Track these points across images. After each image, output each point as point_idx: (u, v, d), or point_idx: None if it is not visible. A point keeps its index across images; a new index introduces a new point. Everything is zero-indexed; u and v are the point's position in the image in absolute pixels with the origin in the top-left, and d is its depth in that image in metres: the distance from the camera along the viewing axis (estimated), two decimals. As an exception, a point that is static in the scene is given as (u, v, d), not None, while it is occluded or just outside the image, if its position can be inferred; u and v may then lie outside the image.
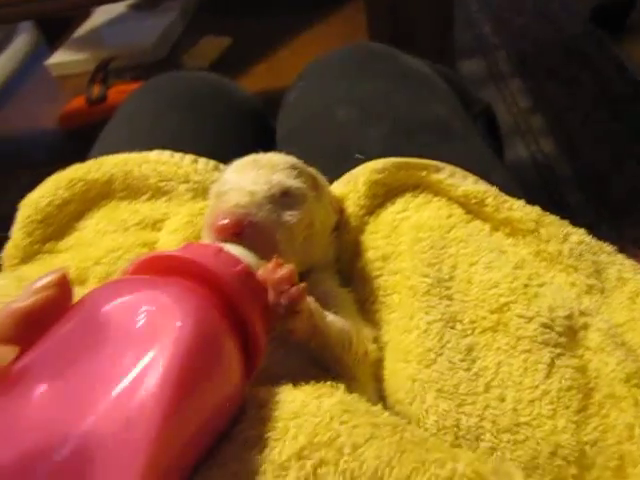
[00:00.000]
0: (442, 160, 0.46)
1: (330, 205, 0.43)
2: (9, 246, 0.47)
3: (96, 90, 1.27)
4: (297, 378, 0.34)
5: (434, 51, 1.01)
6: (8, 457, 0.20)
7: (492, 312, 0.37)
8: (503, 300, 0.37)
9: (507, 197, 0.42)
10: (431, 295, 0.38)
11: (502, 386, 0.35)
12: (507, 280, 0.38)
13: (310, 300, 0.33)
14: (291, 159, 0.41)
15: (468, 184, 0.43)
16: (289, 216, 0.37)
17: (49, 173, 0.50)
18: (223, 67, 1.20)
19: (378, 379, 0.39)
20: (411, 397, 0.35)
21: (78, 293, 0.36)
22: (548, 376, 0.35)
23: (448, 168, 0.44)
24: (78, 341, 0.24)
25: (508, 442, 0.33)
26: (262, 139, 0.61)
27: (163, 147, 0.52)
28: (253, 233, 0.35)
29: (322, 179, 0.43)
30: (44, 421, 0.21)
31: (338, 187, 0.46)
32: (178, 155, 0.51)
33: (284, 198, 0.37)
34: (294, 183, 0.38)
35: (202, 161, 0.51)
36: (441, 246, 0.40)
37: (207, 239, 0.37)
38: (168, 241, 0.43)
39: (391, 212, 0.44)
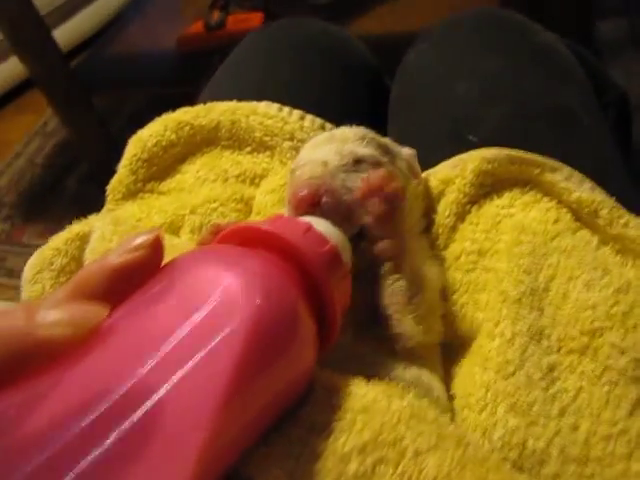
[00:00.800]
0: (561, 156, 0.43)
1: (406, 170, 0.42)
2: (114, 180, 0.49)
3: (215, 16, 1.28)
4: (365, 361, 0.35)
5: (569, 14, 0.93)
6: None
7: (583, 334, 0.35)
8: (598, 324, 0.35)
9: (624, 211, 0.39)
10: (522, 304, 0.37)
11: (578, 414, 0.33)
12: (606, 304, 0.35)
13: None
14: (362, 130, 0.40)
15: (583, 190, 0.40)
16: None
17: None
18: (345, 4, 1.17)
19: (450, 375, 0.39)
20: (482, 405, 0.35)
21: (170, 242, 0.38)
22: (631, 414, 0.33)
23: (565, 169, 0.41)
24: (161, 307, 0.24)
25: (573, 474, 0.32)
26: (375, 99, 0.60)
27: (272, 98, 0.52)
28: (331, 201, 0.34)
29: (394, 146, 0.42)
30: (119, 379, 0.22)
31: (444, 169, 0.44)
32: (286, 109, 0.50)
33: (357, 165, 0.37)
34: (365, 151, 0.38)
35: (309, 118, 0.50)
36: (542, 253, 0.38)
37: (289, 214, 0.37)
38: (264, 201, 0.44)
39: (496, 205, 0.42)
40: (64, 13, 1.64)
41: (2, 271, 1.34)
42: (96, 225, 0.40)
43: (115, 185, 0.49)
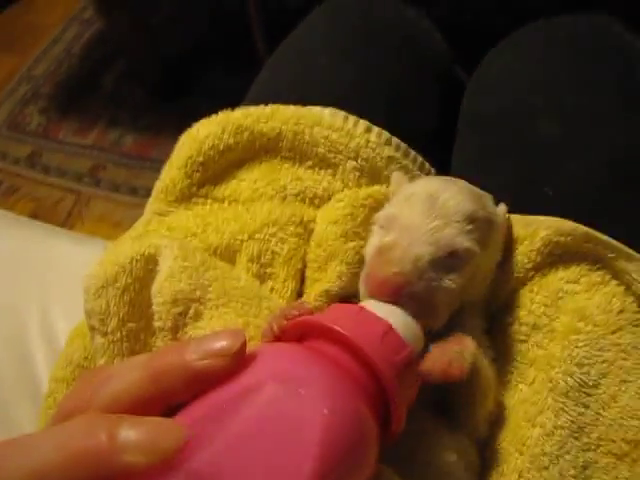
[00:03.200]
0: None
1: (499, 244, 0.40)
2: (167, 181, 0.47)
3: None
4: (417, 435, 0.36)
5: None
6: None
7: (625, 441, 0.36)
8: None
9: None
10: (568, 398, 0.37)
11: None
12: None
13: (469, 341, 0.34)
14: (470, 207, 0.36)
15: None
16: (450, 281, 0.35)
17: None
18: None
19: (485, 442, 0.40)
20: None
21: (232, 284, 0.37)
22: None
23: None
24: (232, 414, 0.25)
25: None
26: (448, 100, 0.56)
27: (338, 98, 0.49)
28: (410, 299, 0.34)
29: (498, 216, 0.40)
30: None
31: (516, 226, 0.43)
32: (352, 120, 0.48)
33: (449, 259, 0.35)
34: (464, 243, 0.35)
35: (375, 132, 0.48)
36: (599, 347, 0.38)
37: (361, 286, 0.36)
38: (325, 233, 0.42)
39: (560, 278, 0.40)
40: None
41: (38, 167, 1.35)
42: (161, 248, 0.39)
43: (169, 186, 0.47)
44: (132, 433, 0.22)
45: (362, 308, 0.31)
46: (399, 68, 0.54)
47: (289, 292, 0.42)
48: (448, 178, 0.40)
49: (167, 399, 0.26)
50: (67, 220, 1.23)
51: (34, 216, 1.27)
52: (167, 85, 1.39)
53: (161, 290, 0.37)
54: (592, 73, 0.48)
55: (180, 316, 0.36)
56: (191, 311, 0.36)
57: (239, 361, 0.25)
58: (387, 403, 0.29)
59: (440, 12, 0.64)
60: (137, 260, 0.38)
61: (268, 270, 0.42)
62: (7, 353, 0.56)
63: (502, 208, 0.41)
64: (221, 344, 0.25)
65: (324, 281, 0.41)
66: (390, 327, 0.30)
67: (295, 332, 0.31)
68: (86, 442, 0.22)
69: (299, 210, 0.45)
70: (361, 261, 0.40)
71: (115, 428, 0.22)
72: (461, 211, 0.36)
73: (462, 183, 0.39)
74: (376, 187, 0.45)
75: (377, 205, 0.42)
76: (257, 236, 0.43)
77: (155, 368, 0.25)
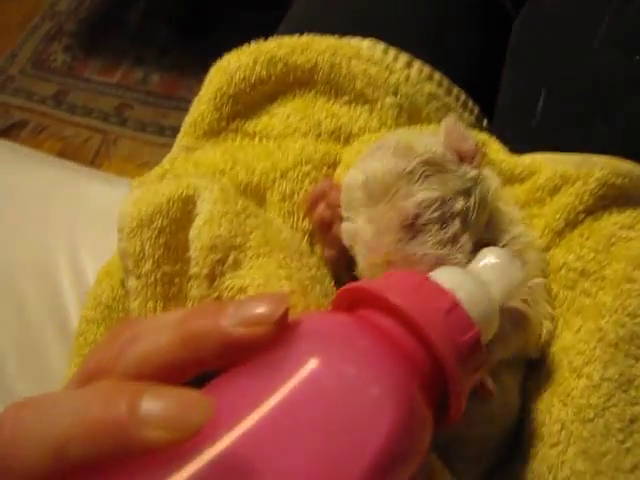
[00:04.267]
0: None
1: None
2: (196, 114, 0.44)
3: None
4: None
5: None
6: None
7: None
8: None
9: None
10: (618, 349, 0.35)
11: None
12: None
13: None
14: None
15: None
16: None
17: None
18: None
19: (528, 392, 0.38)
20: (553, 442, 0.35)
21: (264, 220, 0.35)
22: None
23: None
24: (269, 392, 0.22)
25: None
26: (493, 32, 0.52)
27: (379, 29, 0.46)
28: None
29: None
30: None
31: (566, 163, 0.40)
32: (392, 52, 0.44)
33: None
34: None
35: (417, 66, 0.44)
36: None
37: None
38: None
39: (614, 223, 0.38)
40: None
41: (64, 106, 1.34)
42: (201, 189, 0.36)
43: (197, 120, 0.44)
44: (155, 405, 0.20)
45: (427, 278, 0.27)
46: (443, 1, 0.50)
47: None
48: (378, 143, 0.36)
49: (199, 365, 0.23)
50: (95, 159, 1.23)
51: (62, 155, 1.26)
52: (193, 21, 1.34)
53: (199, 235, 0.35)
54: None
55: (218, 263, 0.34)
56: (230, 259, 0.34)
57: (281, 330, 0.23)
58: (445, 388, 0.26)
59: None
60: (174, 201, 0.36)
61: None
62: (37, 290, 0.56)
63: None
64: (261, 310, 0.22)
65: None
66: (456, 303, 0.26)
67: (346, 299, 0.28)
68: (105, 413, 0.20)
69: (334, 149, 0.43)
70: None
71: (137, 398, 0.20)
72: (392, 177, 0.33)
73: (390, 140, 0.35)
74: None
75: None
76: (290, 174, 0.41)
77: (188, 331, 0.23)
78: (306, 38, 0.45)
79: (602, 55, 0.42)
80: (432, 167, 0.33)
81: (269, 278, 0.33)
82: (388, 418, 0.22)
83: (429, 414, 0.24)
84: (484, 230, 0.35)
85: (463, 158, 0.35)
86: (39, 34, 1.39)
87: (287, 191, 0.41)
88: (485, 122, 0.48)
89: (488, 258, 0.31)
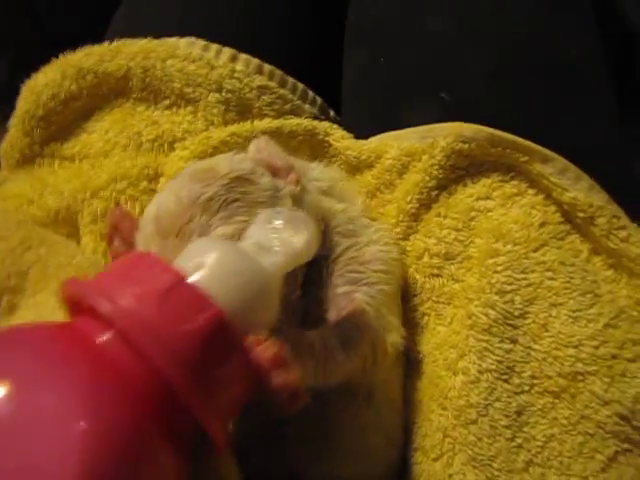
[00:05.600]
0: (554, 129, 0.35)
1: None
2: (5, 142, 0.39)
3: None
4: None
5: None
6: None
7: (561, 376, 0.30)
8: (580, 367, 0.30)
9: (625, 221, 0.32)
10: (492, 334, 0.31)
11: (545, 465, 0.29)
12: (593, 343, 0.30)
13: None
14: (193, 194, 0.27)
15: (580, 189, 0.32)
16: None
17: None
18: None
19: (407, 398, 0.33)
20: (437, 453, 0.30)
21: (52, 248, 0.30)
22: (604, 470, 0.29)
23: (559, 161, 0.33)
24: None
25: None
26: (325, 21, 0.48)
27: (202, 27, 0.41)
28: None
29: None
30: None
31: (410, 138, 0.36)
32: (214, 48, 0.40)
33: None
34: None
35: (243, 59, 0.40)
36: (522, 269, 0.31)
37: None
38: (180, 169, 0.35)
39: (469, 195, 0.34)
40: None
41: None
42: None
43: (6, 149, 0.39)
44: None
45: (146, 254, 0.22)
46: None
47: None
48: (179, 173, 0.30)
49: None
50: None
51: None
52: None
53: None
54: None
55: None
56: (3, 303, 0.29)
57: None
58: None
59: None
60: None
61: None
62: None
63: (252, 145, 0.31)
64: None
65: None
66: (178, 278, 0.19)
67: (69, 297, 0.21)
68: None
69: (155, 160, 0.37)
70: None
71: None
72: (183, 208, 0.27)
73: (191, 166, 0.30)
74: (230, 127, 0.38)
75: (233, 149, 0.34)
76: (102, 194, 0.36)
77: None
78: (116, 44, 0.39)
79: (432, 19, 0.39)
80: (237, 188, 0.27)
81: (41, 314, 0.28)
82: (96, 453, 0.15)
83: (167, 449, 0.18)
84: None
85: (276, 174, 0.29)
86: None
87: (98, 212, 0.35)
88: (332, 113, 0.44)
89: (267, 221, 0.24)
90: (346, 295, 0.29)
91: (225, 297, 0.19)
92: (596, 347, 0.29)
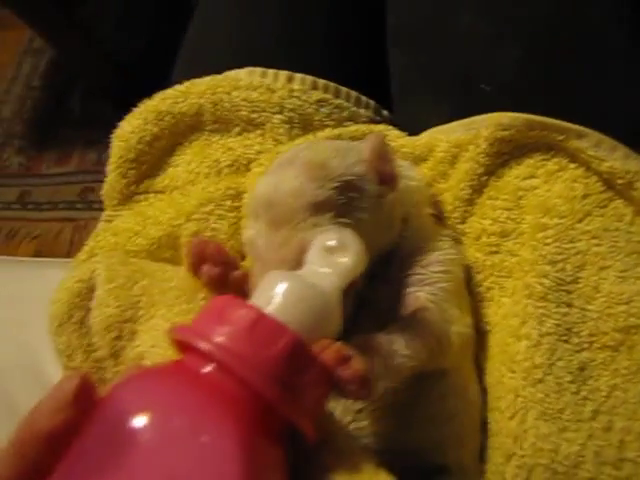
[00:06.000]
0: (589, 104, 0.38)
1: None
2: (106, 186, 0.46)
3: None
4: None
5: None
6: None
7: (617, 330, 0.33)
8: (633, 321, 0.33)
9: None
10: (548, 301, 0.34)
11: (611, 413, 0.33)
12: None
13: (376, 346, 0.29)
14: (309, 192, 0.31)
15: (616, 159, 0.35)
16: None
17: None
18: None
19: (480, 367, 0.38)
20: (512, 412, 0.34)
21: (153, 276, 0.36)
22: None
23: (594, 136, 0.36)
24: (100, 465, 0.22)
25: (609, 477, 0.32)
26: (372, 29, 0.52)
27: (256, 57, 0.46)
28: None
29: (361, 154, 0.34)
30: None
31: (457, 130, 0.40)
32: (271, 73, 0.45)
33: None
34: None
35: (298, 79, 0.45)
36: (569, 239, 0.35)
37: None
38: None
39: (516, 177, 0.38)
40: None
41: (30, 205, 1.35)
42: (95, 273, 0.38)
43: (108, 191, 0.46)
44: None
45: (232, 298, 0.25)
46: (316, 13, 0.50)
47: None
48: (292, 155, 0.34)
49: (38, 472, 0.23)
50: (70, 250, 1.24)
51: (38, 253, 1.27)
52: (132, 93, 1.36)
53: (94, 319, 0.37)
54: None
55: (117, 340, 0.36)
56: (125, 332, 0.36)
57: (86, 403, 0.23)
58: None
59: None
60: (85, 292, 0.38)
61: None
62: (28, 392, 0.56)
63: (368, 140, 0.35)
64: (59, 394, 0.23)
65: None
66: (259, 314, 0.24)
67: (176, 340, 0.26)
68: None
69: (234, 181, 0.43)
70: None
71: None
72: (300, 206, 0.31)
73: (306, 154, 0.34)
74: (297, 142, 0.42)
75: None
76: (194, 217, 0.41)
77: (17, 441, 0.23)
78: (186, 85, 0.45)
79: (465, 19, 0.42)
80: (347, 192, 0.31)
81: (158, 338, 0.34)
82: (230, 462, 0.21)
83: (271, 442, 0.23)
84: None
85: (383, 181, 0.33)
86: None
87: (193, 233, 0.41)
88: (385, 112, 0.48)
89: (321, 246, 0.28)
90: (411, 294, 0.33)
91: (296, 321, 0.24)
92: None
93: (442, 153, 0.40)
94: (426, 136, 0.42)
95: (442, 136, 0.40)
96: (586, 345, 0.33)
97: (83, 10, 1.26)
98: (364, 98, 0.47)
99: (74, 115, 1.41)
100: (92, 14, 1.34)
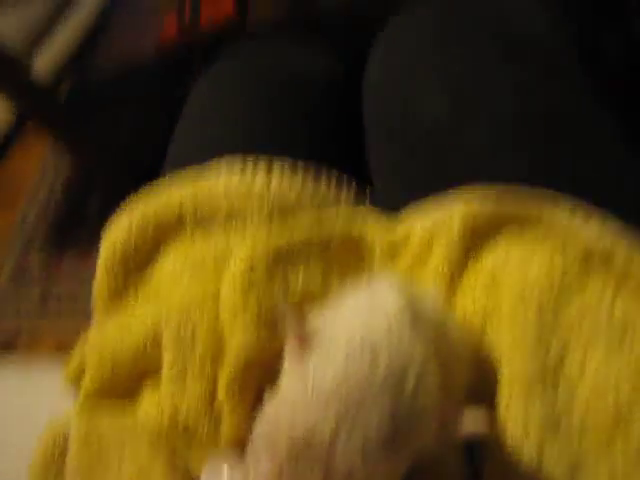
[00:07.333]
0: (556, 176, 0.38)
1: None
2: (96, 285, 0.47)
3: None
4: None
5: None
6: None
7: (607, 425, 0.31)
8: (624, 410, 0.31)
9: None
10: (532, 387, 0.33)
11: None
12: (631, 379, 0.31)
13: None
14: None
15: (592, 229, 0.35)
16: None
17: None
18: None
19: None
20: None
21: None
22: None
23: (568, 204, 0.36)
24: None
25: None
26: (347, 117, 0.54)
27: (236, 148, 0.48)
28: None
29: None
30: None
31: (430, 214, 0.40)
32: (250, 167, 0.46)
33: None
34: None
35: (277, 167, 0.46)
36: (553, 310, 0.34)
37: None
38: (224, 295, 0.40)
39: (493, 252, 0.38)
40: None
41: (52, 307, 1.38)
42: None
43: (98, 290, 0.46)
44: None
45: None
46: (294, 110, 0.53)
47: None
48: (373, 304, 0.30)
49: None
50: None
51: (61, 352, 1.28)
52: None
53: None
54: (463, 37, 0.46)
55: None
56: None
57: None
58: None
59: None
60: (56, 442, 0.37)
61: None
62: None
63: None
64: None
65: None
66: None
67: None
68: None
69: (216, 279, 0.43)
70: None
71: None
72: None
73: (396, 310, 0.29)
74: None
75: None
76: (174, 317, 0.41)
77: None
78: (168, 189, 0.47)
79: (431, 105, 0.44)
80: None
81: None
82: None
83: None
84: None
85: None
86: (14, 250, 1.47)
87: (173, 334, 0.40)
88: (368, 190, 0.49)
89: None
90: None
91: None
92: (637, 379, 0.31)
93: (418, 240, 0.40)
94: (401, 221, 0.42)
95: (416, 221, 0.41)
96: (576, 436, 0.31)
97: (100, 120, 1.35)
98: (344, 180, 0.48)
99: (92, 220, 1.46)
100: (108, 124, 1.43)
